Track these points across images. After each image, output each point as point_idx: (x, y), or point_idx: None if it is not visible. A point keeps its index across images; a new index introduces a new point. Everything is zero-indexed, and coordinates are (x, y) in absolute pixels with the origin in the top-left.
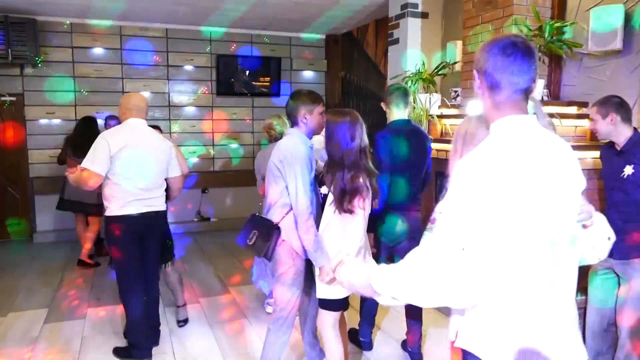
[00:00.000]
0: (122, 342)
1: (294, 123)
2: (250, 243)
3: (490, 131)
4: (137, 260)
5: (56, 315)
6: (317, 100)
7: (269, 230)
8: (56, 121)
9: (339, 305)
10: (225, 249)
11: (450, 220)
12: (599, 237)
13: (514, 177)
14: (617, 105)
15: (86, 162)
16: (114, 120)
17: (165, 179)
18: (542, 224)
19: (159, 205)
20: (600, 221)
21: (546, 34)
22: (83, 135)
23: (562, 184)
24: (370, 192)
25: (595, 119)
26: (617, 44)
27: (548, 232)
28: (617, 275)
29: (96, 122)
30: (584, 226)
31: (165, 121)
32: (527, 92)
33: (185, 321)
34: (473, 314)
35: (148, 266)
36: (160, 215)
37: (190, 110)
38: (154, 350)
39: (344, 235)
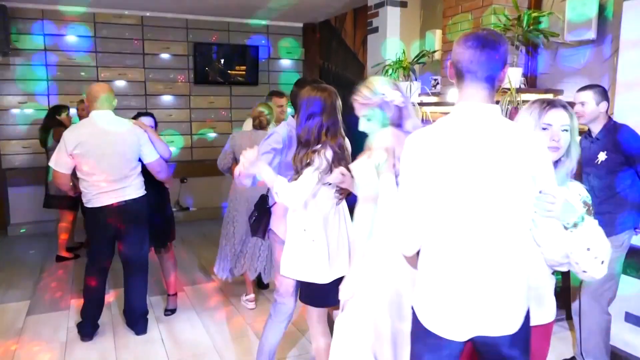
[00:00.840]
0: (110, 333)
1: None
2: (250, 222)
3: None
4: (102, 251)
5: (39, 307)
6: None
7: (263, 213)
8: (28, 111)
9: (321, 301)
10: (207, 238)
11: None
12: (579, 246)
13: (440, 153)
14: (606, 95)
15: (51, 161)
16: (147, 117)
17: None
18: (462, 195)
19: (131, 194)
20: (586, 228)
21: (524, 24)
22: (43, 126)
23: (496, 165)
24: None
25: (588, 102)
26: (592, 34)
27: (469, 204)
28: None
29: (57, 111)
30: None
31: (142, 110)
32: (488, 81)
33: (173, 311)
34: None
35: (127, 253)
36: (138, 202)
37: (168, 99)
38: (143, 337)
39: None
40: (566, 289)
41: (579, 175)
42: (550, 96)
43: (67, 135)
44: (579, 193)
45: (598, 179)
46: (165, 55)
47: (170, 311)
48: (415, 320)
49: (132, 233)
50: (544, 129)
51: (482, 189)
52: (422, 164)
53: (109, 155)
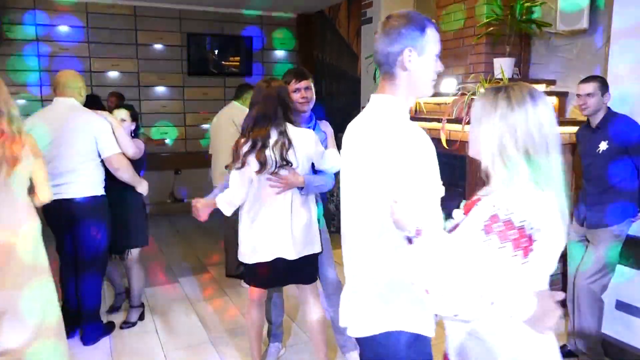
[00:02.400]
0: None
1: None
2: None
3: None
4: (59, 239)
5: None
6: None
7: None
8: (20, 102)
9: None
10: (201, 229)
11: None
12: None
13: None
14: (608, 86)
15: None
16: (121, 110)
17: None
18: (342, 190)
19: (75, 192)
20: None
21: (517, 14)
22: None
23: (353, 163)
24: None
25: (594, 93)
26: (584, 24)
27: (343, 201)
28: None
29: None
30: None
31: (135, 101)
32: (384, 69)
33: (131, 324)
34: None
35: (78, 253)
36: (82, 203)
37: (161, 90)
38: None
39: None
40: (563, 276)
41: (578, 166)
42: (542, 86)
43: (28, 119)
44: (494, 204)
45: (599, 168)
46: (158, 46)
47: (126, 324)
48: None
49: (81, 231)
50: None
51: (345, 185)
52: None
53: (57, 145)
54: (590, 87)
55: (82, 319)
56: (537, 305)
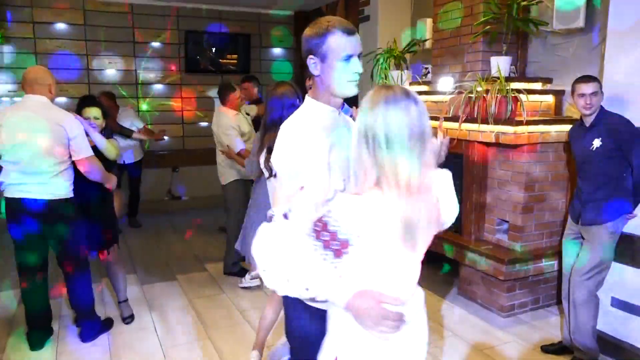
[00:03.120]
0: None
1: None
2: None
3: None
4: (28, 246)
5: None
6: None
7: None
8: (18, 99)
9: None
10: (199, 227)
11: None
12: None
13: None
14: None
15: None
16: (93, 107)
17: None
18: None
19: (41, 192)
20: None
21: (513, 12)
22: None
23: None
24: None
25: (598, 92)
26: (580, 22)
27: None
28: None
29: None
30: None
31: (133, 99)
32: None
33: (131, 317)
34: None
35: (59, 255)
36: (49, 205)
37: (159, 87)
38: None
39: None
40: (559, 273)
41: (572, 164)
42: (539, 85)
43: None
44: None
45: (593, 165)
46: (156, 44)
47: (129, 318)
48: None
49: (58, 234)
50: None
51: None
52: None
53: (26, 145)
54: (594, 86)
55: (78, 317)
56: (353, 298)
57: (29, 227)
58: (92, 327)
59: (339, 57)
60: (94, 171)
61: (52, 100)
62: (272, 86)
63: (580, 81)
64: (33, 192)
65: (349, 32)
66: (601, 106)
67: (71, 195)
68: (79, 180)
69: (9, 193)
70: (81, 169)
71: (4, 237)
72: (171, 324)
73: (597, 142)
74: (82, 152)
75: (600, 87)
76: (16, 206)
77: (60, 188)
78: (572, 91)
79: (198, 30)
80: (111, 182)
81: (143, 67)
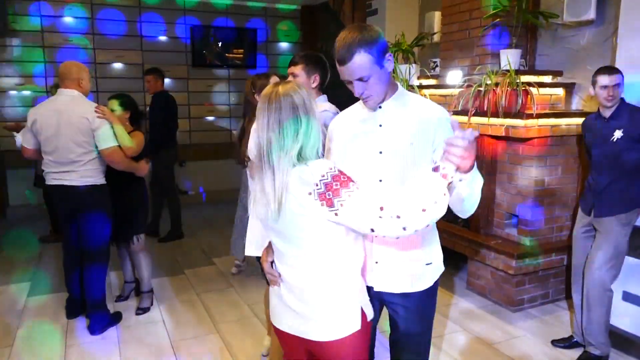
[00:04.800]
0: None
1: None
2: None
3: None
4: (64, 228)
5: (40, 288)
6: None
7: None
8: (26, 92)
9: None
10: (206, 221)
11: None
12: None
13: None
14: None
15: (20, 135)
16: (116, 99)
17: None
18: None
19: (74, 179)
20: None
21: (523, 5)
22: None
23: None
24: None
25: (621, 83)
26: (591, 14)
27: None
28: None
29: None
30: None
31: (139, 93)
32: None
33: (144, 310)
34: None
35: (82, 243)
36: (81, 191)
37: (166, 82)
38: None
39: None
40: (568, 267)
41: (584, 156)
42: (549, 78)
43: (30, 110)
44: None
45: (611, 157)
46: (162, 38)
47: (141, 310)
48: None
49: (83, 219)
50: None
51: None
52: None
53: (57, 137)
54: (617, 78)
55: (88, 309)
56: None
57: (65, 212)
58: (101, 319)
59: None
60: (116, 161)
61: (85, 93)
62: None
63: (603, 72)
64: (66, 180)
65: (339, 62)
66: (622, 98)
67: (102, 182)
68: (109, 168)
69: (48, 181)
70: (105, 158)
71: (19, 229)
72: (180, 318)
73: (618, 134)
74: (105, 142)
75: (622, 78)
76: (54, 193)
77: (92, 175)
78: (593, 82)
79: (205, 24)
80: (140, 170)
81: (149, 61)
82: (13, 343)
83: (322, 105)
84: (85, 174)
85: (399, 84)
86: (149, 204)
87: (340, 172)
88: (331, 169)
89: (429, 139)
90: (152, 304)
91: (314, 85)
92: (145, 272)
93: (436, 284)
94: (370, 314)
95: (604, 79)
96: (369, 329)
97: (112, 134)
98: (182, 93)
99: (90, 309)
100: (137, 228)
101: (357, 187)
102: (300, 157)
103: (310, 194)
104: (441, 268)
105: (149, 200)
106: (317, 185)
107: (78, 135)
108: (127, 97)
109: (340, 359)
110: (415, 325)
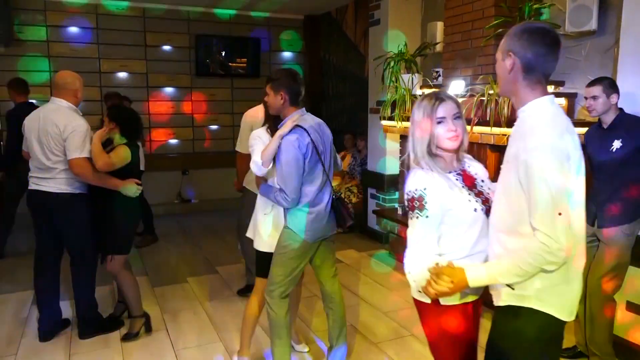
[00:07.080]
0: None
1: None
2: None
3: (527, 108)
4: (35, 234)
5: None
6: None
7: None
8: (31, 102)
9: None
10: (209, 230)
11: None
12: None
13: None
14: (616, 86)
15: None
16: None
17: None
18: None
19: (50, 186)
20: None
21: (525, 15)
22: None
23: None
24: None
25: (599, 96)
26: (593, 25)
27: None
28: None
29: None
30: None
31: (143, 102)
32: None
33: (129, 336)
34: None
35: (66, 249)
36: (54, 198)
37: (169, 91)
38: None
39: None
40: None
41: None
42: (551, 88)
43: (28, 116)
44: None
45: (611, 167)
46: (166, 47)
47: (127, 336)
48: None
49: (60, 225)
50: (439, 122)
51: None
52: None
53: (36, 142)
54: (596, 90)
55: (77, 313)
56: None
57: (42, 217)
58: (87, 324)
59: None
60: (79, 173)
61: (76, 104)
62: None
63: (587, 84)
64: (42, 186)
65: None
66: (621, 108)
67: (80, 191)
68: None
69: (30, 185)
70: (72, 169)
71: (18, 239)
72: (183, 326)
73: (617, 144)
74: (71, 152)
75: (609, 91)
76: (32, 197)
77: (67, 183)
78: None
79: (208, 34)
80: (127, 189)
81: (154, 70)
82: (17, 352)
83: (288, 125)
84: (61, 182)
85: None
86: (131, 224)
87: None
88: None
89: None
90: (147, 331)
91: (281, 102)
92: (128, 294)
93: None
94: None
95: (585, 91)
96: None
97: (80, 145)
98: (186, 102)
99: (78, 313)
100: (112, 247)
101: None
102: None
103: None
104: None
105: (136, 221)
106: None
107: (51, 142)
108: (116, 107)
109: None
110: None
